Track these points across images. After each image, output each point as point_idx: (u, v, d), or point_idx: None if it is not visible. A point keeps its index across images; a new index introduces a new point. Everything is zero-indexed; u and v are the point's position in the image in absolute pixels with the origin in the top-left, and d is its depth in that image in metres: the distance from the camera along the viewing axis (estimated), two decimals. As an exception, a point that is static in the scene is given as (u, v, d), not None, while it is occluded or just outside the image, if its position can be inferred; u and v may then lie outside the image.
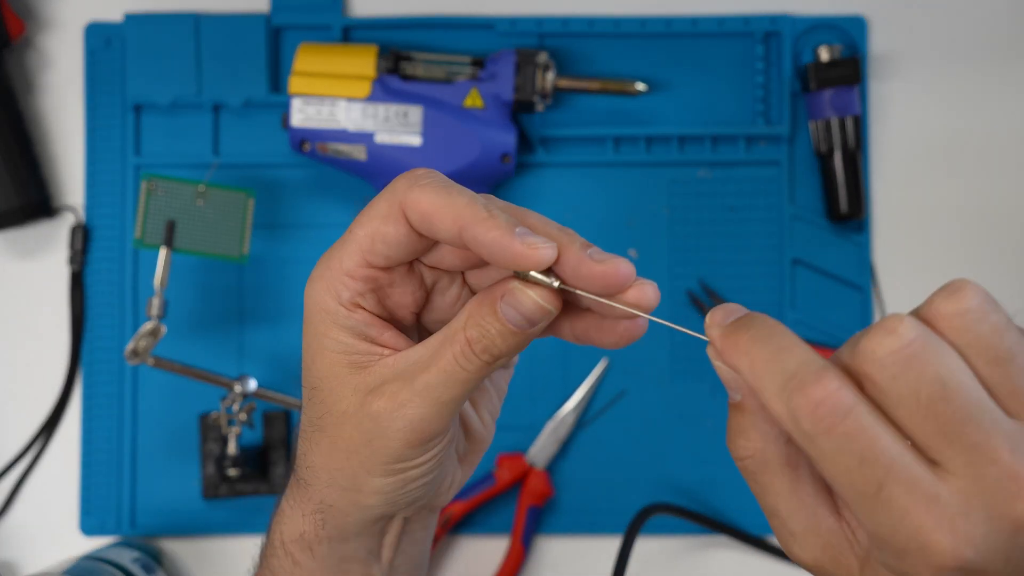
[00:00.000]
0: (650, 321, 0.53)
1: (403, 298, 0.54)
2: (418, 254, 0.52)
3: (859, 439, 0.41)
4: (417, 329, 0.56)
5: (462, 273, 0.55)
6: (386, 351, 0.53)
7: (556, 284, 0.50)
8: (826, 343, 0.92)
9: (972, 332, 0.43)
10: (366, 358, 0.53)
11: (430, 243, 0.52)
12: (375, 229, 0.51)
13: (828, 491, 0.47)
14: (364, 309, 0.53)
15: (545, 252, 0.49)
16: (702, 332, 0.49)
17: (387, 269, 0.52)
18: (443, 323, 0.55)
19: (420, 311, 0.55)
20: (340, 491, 0.54)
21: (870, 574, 0.45)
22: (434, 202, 0.50)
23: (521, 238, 0.48)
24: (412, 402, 0.51)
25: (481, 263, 0.53)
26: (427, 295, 0.55)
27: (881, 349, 0.42)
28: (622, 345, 0.53)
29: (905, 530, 0.42)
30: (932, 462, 0.42)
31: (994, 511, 0.41)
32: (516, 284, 0.50)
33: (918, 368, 0.42)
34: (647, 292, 0.51)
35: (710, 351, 0.48)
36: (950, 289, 0.44)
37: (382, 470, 0.53)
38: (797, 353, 0.43)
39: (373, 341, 0.53)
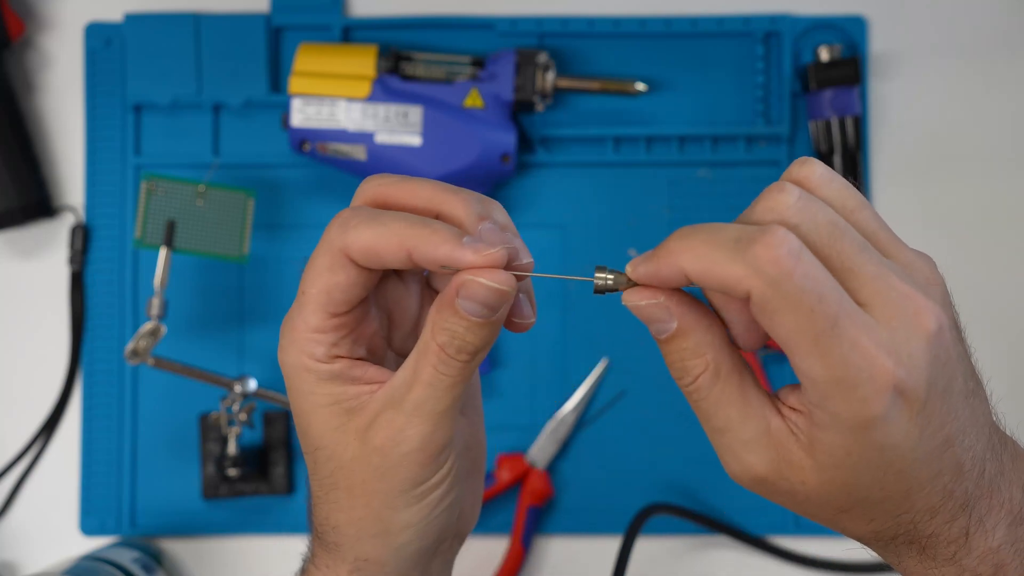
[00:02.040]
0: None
1: (371, 327, 0.55)
2: (373, 285, 0.53)
3: (815, 277, 0.46)
4: (390, 355, 0.57)
5: (404, 282, 0.56)
6: (373, 387, 0.54)
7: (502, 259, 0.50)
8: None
9: (828, 188, 0.50)
10: (358, 400, 0.53)
11: (380, 274, 0.53)
12: (325, 283, 0.52)
13: (769, 396, 0.51)
14: (341, 357, 0.54)
15: (497, 256, 0.50)
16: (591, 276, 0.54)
17: (349, 312, 0.53)
18: (410, 335, 0.57)
19: (388, 333, 0.56)
20: (371, 539, 0.55)
21: (818, 451, 0.49)
22: (372, 236, 0.51)
23: (471, 247, 0.50)
24: (410, 423, 0.52)
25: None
26: (389, 313, 0.56)
27: (783, 203, 0.48)
28: (516, 332, 0.54)
29: (856, 360, 0.46)
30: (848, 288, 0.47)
31: (910, 331, 0.47)
32: (465, 276, 0.50)
33: (814, 212, 0.48)
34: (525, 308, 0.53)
35: (626, 299, 0.51)
36: (799, 163, 0.50)
37: (404, 500, 0.54)
38: (730, 226, 0.48)
39: (359, 382, 0.54)
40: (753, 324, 0.51)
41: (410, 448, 0.52)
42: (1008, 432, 0.55)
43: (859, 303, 0.48)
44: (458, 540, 0.59)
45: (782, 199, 0.48)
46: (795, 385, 0.50)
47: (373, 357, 0.55)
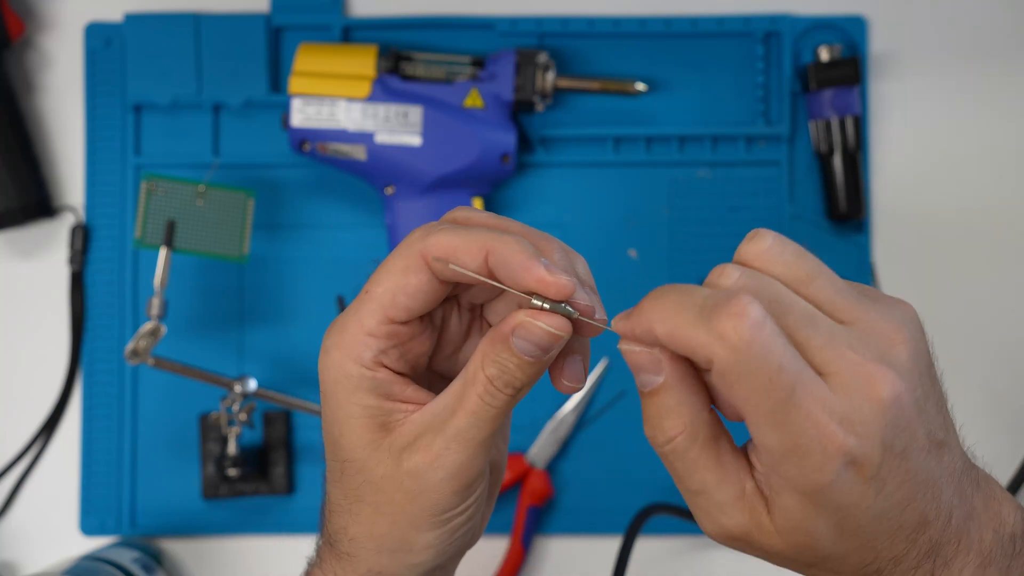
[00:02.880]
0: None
1: (421, 347, 0.55)
2: (438, 302, 0.53)
3: (775, 347, 0.47)
4: (428, 377, 0.57)
5: (459, 307, 0.56)
6: (410, 407, 0.54)
7: (573, 314, 0.51)
8: (826, 343, 0.92)
9: (777, 263, 0.51)
10: (393, 417, 0.53)
11: (448, 289, 0.53)
12: (395, 283, 0.52)
13: (743, 456, 0.51)
14: (386, 367, 0.53)
15: (568, 284, 0.50)
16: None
17: (407, 323, 0.53)
18: (450, 361, 0.57)
19: (432, 355, 0.56)
20: (389, 555, 0.55)
21: (776, 514, 0.50)
22: (456, 239, 0.51)
23: (546, 265, 0.50)
24: (449, 450, 0.52)
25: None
26: (439, 338, 0.56)
27: (725, 285, 0.50)
28: (564, 392, 0.55)
29: (808, 430, 0.47)
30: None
31: (863, 400, 0.48)
32: (524, 317, 0.51)
33: (756, 288, 0.49)
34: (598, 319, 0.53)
35: (621, 344, 0.51)
36: (749, 237, 0.52)
37: (430, 523, 0.54)
38: (699, 289, 0.49)
39: (397, 399, 0.54)
40: None
41: (446, 475, 0.53)
42: (982, 466, 0.56)
43: (819, 373, 0.49)
44: (461, 554, 0.59)
45: (722, 282, 0.50)
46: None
47: (414, 375, 0.55)
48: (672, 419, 0.51)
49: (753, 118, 0.93)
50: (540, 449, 0.92)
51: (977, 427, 0.92)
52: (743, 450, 0.52)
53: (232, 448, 0.89)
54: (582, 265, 0.54)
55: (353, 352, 0.53)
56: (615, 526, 0.89)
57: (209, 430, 0.91)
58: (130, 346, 0.86)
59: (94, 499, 0.92)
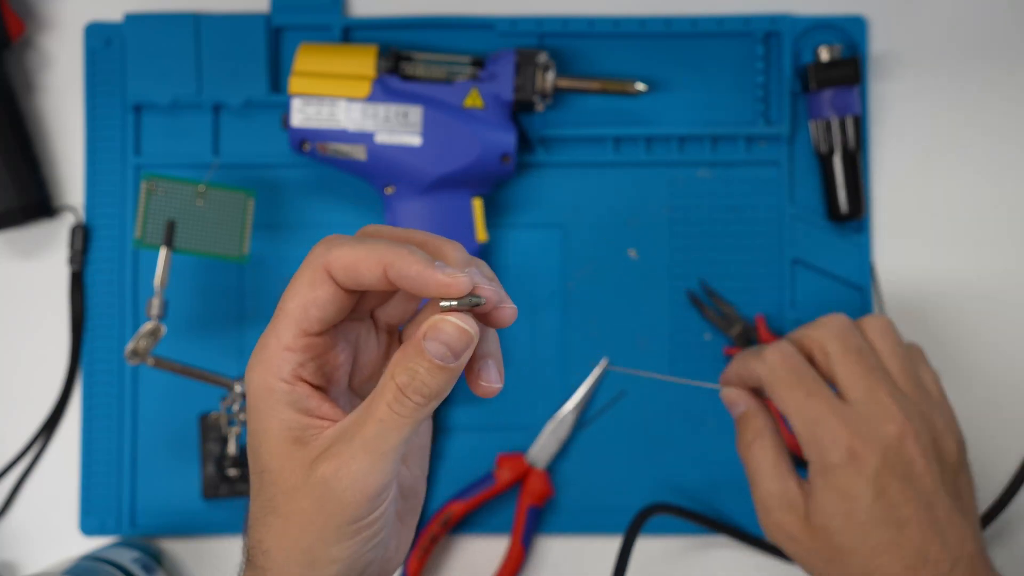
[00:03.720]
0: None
1: (337, 359, 0.58)
2: (347, 311, 0.57)
3: (796, 366, 0.75)
4: (349, 397, 0.60)
5: (377, 330, 0.60)
6: (326, 423, 0.56)
7: (480, 301, 0.54)
8: (826, 343, 0.92)
9: (884, 337, 0.77)
10: (308, 432, 0.56)
11: (355, 298, 0.57)
12: (305, 297, 0.56)
13: (792, 465, 0.76)
14: (305, 381, 0.56)
15: (463, 279, 0.53)
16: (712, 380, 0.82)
17: (321, 334, 0.56)
18: (369, 383, 0.60)
19: (351, 373, 0.59)
20: (298, 568, 0.56)
21: (811, 499, 0.74)
22: (355, 253, 0.54)
23: (440, 269, 0.53)
24: (355, 458, 0.54)
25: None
26: (355, 355, 0.59)
27: (834, 323, 0.77)
28: (483, 396, 0.57)
29: (821, 425, 0.73)
30: (843, 397, 0.74)
31: (873, 423, 0.72)
32: (435, 317, 0.53)
33: (848, 336, 0.76)
34: (507, 313, 0.56)
35: (721, 394, 0.80)
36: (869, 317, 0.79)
37: (336, 535, 0.55)
38: (760, 349, 0.78)
39: (313, 415, 0.56)
40: None
41: (351, 482, 0.54)
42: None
43: (849, 400, 0.74)
44: None
45: (832, 322, 0.78)
46: None
47: (333, 389, 0.58)
48: (748, 433, 0.78)
49: (753, 118, 0.94)
50: (540, 449, 0.92)
51: (978, 426, 0.93)
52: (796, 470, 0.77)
53: (232, 448, 0.89)
54: (484, 267, 0.57)
55: (273, 366, 0.56)
56: (615, 526, 0.89)
57: (209, 430, 0.91)
58: (130, 346, 0.86)
59: (94, 499, 0.92)
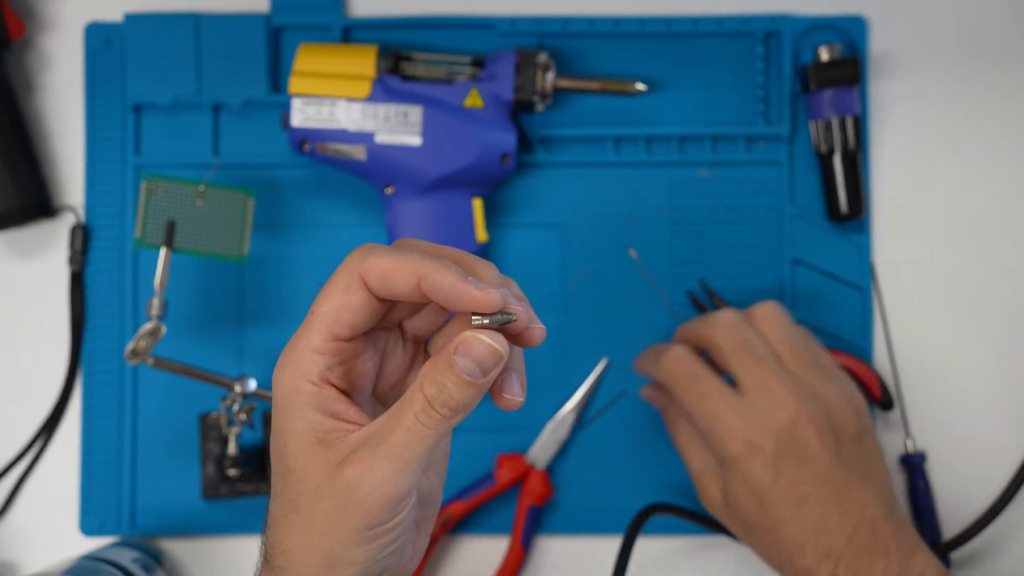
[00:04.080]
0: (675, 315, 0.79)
1: (364, 366, 0.59)
2: (378, 319, 0.58)
3: (691, 367, 0.82)
4: (373, 403, 0.61)
5: (404, 339, 0.61)
6: (351, 427, 0.57)
7: (512, 318, 0.55)
8: (826, 343, 0.92)
9: (769, 323, 0.83)
10: (334, 435, 0.56)
11: (387, 307, 0.57)
12: (338, 301, 0.56)
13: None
14: (332, 385, 0.57)
15: (495, 295, 0.54)
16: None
17: (351, 340, 0.57)
18: (394, 391, 0.61)
19: (376, 380, 0.60)
20: (316, 570, 0.57)
21: (726, 489, 0.82)
22: (390, 262, 0.55)
23: (474, 284, 0.54)
24: (379, 465, 0.55)
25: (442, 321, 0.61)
26: (382, 363, 0.60)
27: (722, 319, 0.83)
28: (505, 408, 0.58)
29: (719, 421, 0.80)
30: (735, 387, 0.81)
31: (767, 412, 0.79)
32: (467, 333, 0.54)
33: (736, 331, 0.82)
34: (535, 333, 0.57)
35: (640, 394, 0.89)
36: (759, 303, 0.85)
37: (356, 538, 0.56)
38: (658, 352, 0.85)
39: (339, 418, 0.57)
40: None
41: (374, 488, 0.55)
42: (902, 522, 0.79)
43: (742, 389, 0.81)
44: None
45: (723, 318, 0.84)
46: None
47: (358, 395, 0.59)
48: (670, 423, 0.87)
49: (753, 118, 0.94)
50: (540, 449, 0.92)
51: (977, 426, 0.93)
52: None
53: (232, 448, 0.89)
54: (515, 286, 0.58)
55: (302, 368, 0.56)
56: (615, 526, 0.89)
57: (209, 430, 0.91)
58: (130, 346, 0.86)
59: (94, 499, 0.92)
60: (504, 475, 0.91)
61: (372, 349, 0.59)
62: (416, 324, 0.60)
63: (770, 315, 0.83)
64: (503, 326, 0.55)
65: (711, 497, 0.83)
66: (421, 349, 0.62)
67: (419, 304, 0.59)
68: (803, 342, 0.83)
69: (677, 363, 0.82)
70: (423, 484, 0.61)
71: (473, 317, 0.55)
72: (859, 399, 0.82)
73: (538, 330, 0.56)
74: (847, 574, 0.77)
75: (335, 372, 0.57)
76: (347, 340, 0.57)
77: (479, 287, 0.54)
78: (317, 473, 0.56)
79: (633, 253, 0.94)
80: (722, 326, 0.82)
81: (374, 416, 0.58)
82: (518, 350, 0.57)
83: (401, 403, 0.55)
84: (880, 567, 0.77)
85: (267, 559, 0.58)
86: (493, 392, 0.57)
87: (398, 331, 0.61)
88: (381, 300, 0.57)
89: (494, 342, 0.54)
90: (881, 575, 0.76)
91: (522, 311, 0.55)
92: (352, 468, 0.55)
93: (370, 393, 0.60)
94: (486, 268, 0.57)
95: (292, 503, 0.57)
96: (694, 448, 0.84)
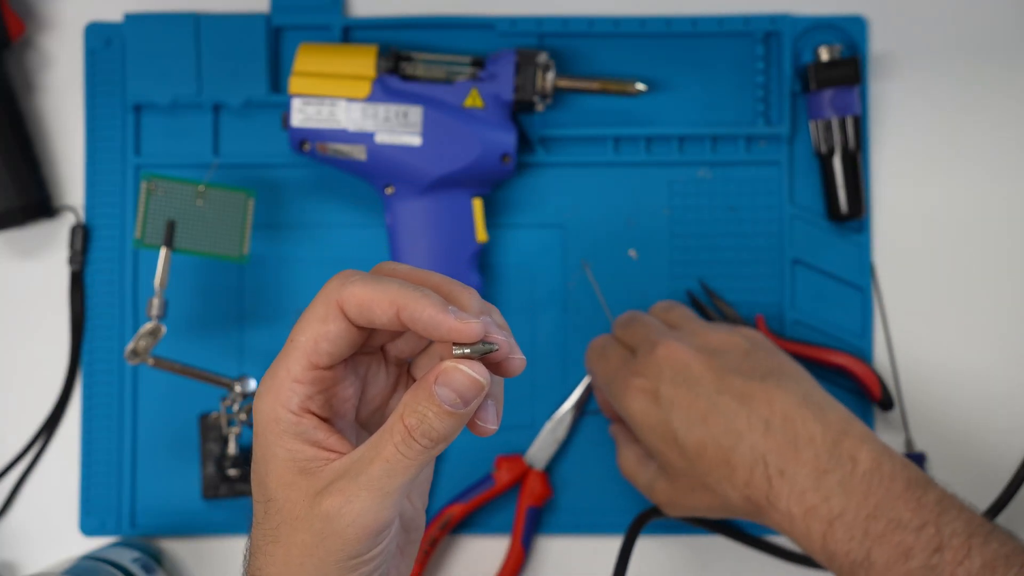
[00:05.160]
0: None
1: (345, 392, 0.58)
2: (357, 347, 0.57)
3: (605, 348, 0.86)
4: (356, 429, 0.60)
5: (386, 363, 0.60)
6: (332, 455, 0.56)
7: (493, 348, 0.54)
8: (826, 343, 0.92)
9: (656, 307, 0.88)
10: (314, 464, 0.56)
11: (366, 335, 0.57)
12: (316, 331, 0.56)
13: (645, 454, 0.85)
14: (312, 413, 0.56)
15: (476, 326, 0.54)
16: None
17: (330, 368, 0.57)
18: (376, 416, 0.60)
19: (359, 405, 0.59)
20: None
21: (658, 463, 0.84)
22: (369, 292, 0.54)
23: (454, 314, 0.53)
24: (359, 496, 0.54)
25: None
26: (364, 388, 0.60)
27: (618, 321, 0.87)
28: (478, 435, 0.57)
29: (622, 384, 0.82)
30: (632, 351, 0.84)
31: (648, 358, 0.81)
32: (448, 363, 0.54)
33: (626, 319, 0.86)
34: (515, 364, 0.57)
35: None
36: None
37: (337, 569, 0.55)
38: (602, 339, 0.88)
39: (320, 446, 0.56)
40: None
41: (353, 520, 0.54)
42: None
43: (634, 352, 0.83)
44: None
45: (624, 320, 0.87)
46: None
47: (339, 421, 0.58)
48: (617, 444, 0.89)
49: (753, 118, 0.93)
50: (539, 449, 0.92)
51: (977, 426, 0.93)
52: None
53: (232, 448, 0.89)
54: (497, 314, 0.57)
55: (281, 397, 0.56)
56: (615, 526, 0.89)
57: (209, 430, 0.91)
58: (130, 346, 0.86)
59: (94, 499, 0.92)
60: (503, 476, 0.91)
61: (353, 375, 0.59)
62: (399, 347, 0.60)
63: (657, 306, 0.88)
64: (484, 355, 0.54)
65: (665, 496, 0.83)
66: (404, 372, 0.62)
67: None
68: (680, 310, 0.87)
69: (591, 347, 0.87)
70: (406, 510, 0.60)
71: (454, 346, 0.54)
72: (750, 331, 0.83)
73: (518, 360, 0.56)
74: (777, 469, 0.75)
75: (315, 401, 0.57)
76: (327, 368, 0.57)
77: (459, 317, 0.54)
78: (297, 503, 0.55)
79: (633, 253, 0.93)
80: (619, 323, 0.87)
81: (357, 442, 0.58)
82: (497, 378, 0.56)
83: (382, 432, 0.55)
84: (809, 455, 0.75)
85: None
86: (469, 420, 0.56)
87: (380, 355, 0.60)
88: (360, 328, 0.56)
89: (475, 373, 0.54)
90: (812, 462, 0.74)
91: (503, 340, 0.55)
92: (331, 499, 0.54)
93: (352, 419, 0.60)
94: (468, 296, 0.56)
95: (273, 532, 0.56)
96: (639, 463, 0.85)
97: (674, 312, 0.86)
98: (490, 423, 0.56)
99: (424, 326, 0.54)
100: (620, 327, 0.86)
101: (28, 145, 0.92)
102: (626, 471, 0.86)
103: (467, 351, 0.54)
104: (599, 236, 0.93)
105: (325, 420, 0.57)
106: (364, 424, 0.61)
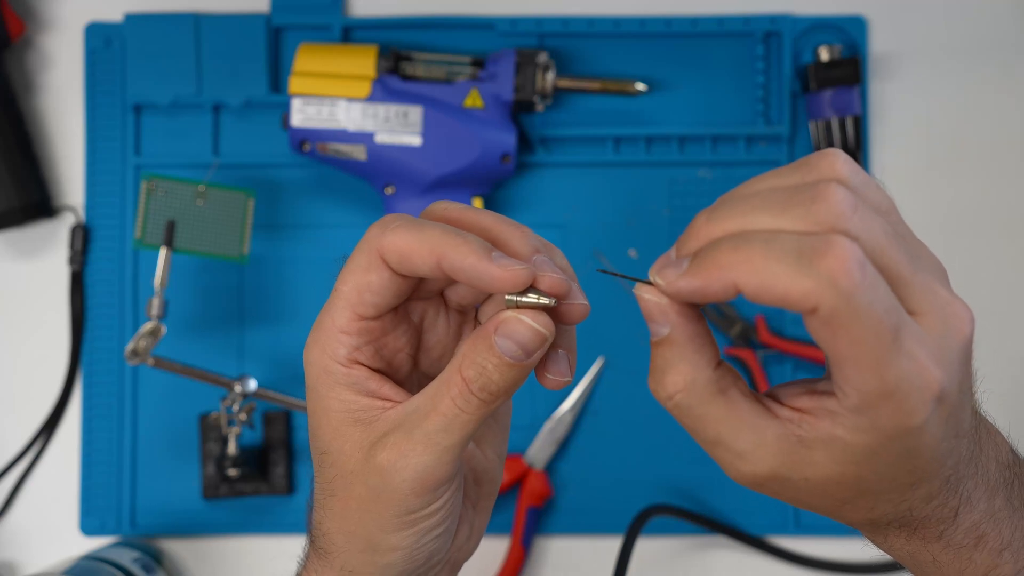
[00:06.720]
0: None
1: (397, 342, 0.54)
2: (405, 296, 0.53)
3: (880, 290, 0.45)
4: (416, 377, 0.56)
5: (446, 308, 0.55)
6: (387, 404, 0.53)
7: (552, 302, 0.50)
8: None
9: (868, 191, 0.49)
10: (369, 413, 0.53)
11: (414, 283, 0.53)
12: (358, 281, 0.52)
13: (760, 402, 0.50)
14: (362, 364, 0.53)
15: (521, 273, 0.49)
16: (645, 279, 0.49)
17: (378, 318, 0.53)
18: (439, 364, 0.56)
19: (416, 354, 0.55)
20: (358, 554, 0.54)
21: (836, 449, 0.48)
22: (408, 240, 0.50)
23: (497, 261, 0.49)
24: (414, 451, 0.51)
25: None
26: (419, 335, 0.55)
27: (841, 212, 0.45)
28: (550, 388, 0.52)
29: (911, 372, 0.45)
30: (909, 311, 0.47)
31: (952, 337, 0.47)
32: (509, 314, 0.50)
33: (870, 222, 0.46)
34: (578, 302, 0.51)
35: (639, 290, 0.49)
36: (831, 158, 0.48)
37: (394, 524, 0.53)
38: (783, 236, 0.45)
39: (374, 395, 0.53)
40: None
41: (409, 475, 0.52)
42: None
43: (909, 312, 0.47)
44: (450, 567, 0.58)
45: (838, 208, 0.46)
46: (798, 385, 0.50)
47: (395, 374, 0.55)
48: (672, 375, 0.50)
49: (753, 118, 0.93)
50: (538, 449, 0.92)
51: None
52: (756, 396, 0.51)
53: (232, 448, 0.89)
54: (558, 255, 0.53)
55: (329, 348, 0.53)
56: (615, 526, 0.89)
57: (209, 430, 0.91)
58: (130, 346, 0.86)
59: (94, 499, 0.92)
60: (503, 476, 0.91)
61: (406, 323, 0.54)
62: (459, 294, 0.55)
63: (863, 181, 0.50)
64: (536, 307, 0.50)
65: (758, 472, 0.51)
66: (470, 317, 0.56)
67: None
68: (896, 206, 0.53)
69: (862, 275, 0.44)
70: (478, 461, 0.58)
71: (506, 296, 0.50)
72: None
73: (578, 307, 0.51)
74: (966, 505, 0.52)
75: (364, 352, 0.53)
76: (374, 319, 0.53)
77: (503, 264, 0.49)
78: (351, 455, 0.52)
79: (633, 253, 0.94)
80: (852, 219, 0.46)
81: (416, 391, 0.54)
82: (568, 327, 0.52)
83: (439, 383, 0.51)
84: (983, 470, 0.53)
85: (312, 539, 0.56)
86: (537, 371, 0.52)
87: (439, 300, 0.55)
88: (404, 276, 0.52)
89: (537, 324, 0.49)
90: (984, 477, 0.53)
91: (558, 285, 0.50)
92: (386, 453, 0.51)
93: (409, 369, 0.56)
94: (518, 236, 0.52)
95: (329, 486, 0.54)
96: (734, 418, 0.51)
97: (894, 215, 0.51)
98: (561, 375, 0.52)
99: (466, 275, 0.49)
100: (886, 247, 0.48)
101: (28, 145, 0.92)
102: (725, 422, 0.51)
103: (517, 300, 0.49)
104: (599, 236, 0.93)
105: (378, 371, 0.53)
106: (427, 373, 0.56)
